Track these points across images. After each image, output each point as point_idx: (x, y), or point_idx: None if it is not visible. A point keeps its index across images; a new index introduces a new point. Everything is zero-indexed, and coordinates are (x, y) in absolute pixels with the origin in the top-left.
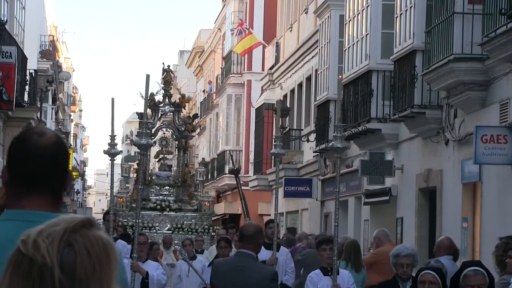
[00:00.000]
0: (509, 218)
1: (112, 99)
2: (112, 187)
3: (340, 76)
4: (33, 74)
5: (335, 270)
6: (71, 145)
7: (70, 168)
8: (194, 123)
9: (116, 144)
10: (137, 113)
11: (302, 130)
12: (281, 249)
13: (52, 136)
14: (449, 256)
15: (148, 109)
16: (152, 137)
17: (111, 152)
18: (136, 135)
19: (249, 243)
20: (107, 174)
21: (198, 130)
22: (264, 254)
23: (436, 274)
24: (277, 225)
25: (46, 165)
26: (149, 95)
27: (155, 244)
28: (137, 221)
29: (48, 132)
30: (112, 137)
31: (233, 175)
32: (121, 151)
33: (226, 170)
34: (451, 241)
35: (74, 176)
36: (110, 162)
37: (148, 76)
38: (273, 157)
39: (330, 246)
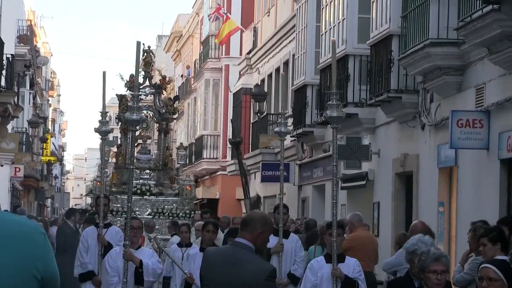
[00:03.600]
0: (484, 202)
1: (104, 73)
2: (102, 168)
3: (333, 39)
4: (10, 58)
5: (334, 255)
6: (49, 130)
7: (49, 153)
8: (175, 105)
9: (107, 122)
10: (116, 95)
11: (280, 114)
12: (290, 236)
13: None
14: None
15: (127, 91)
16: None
17: (102, 130)
18: (125, 111)
19: (247, 231)
20: (86, 159)
21: (176, 115)
22: (270, 240)
23: (497, 269)
24: (287, 210)
25: None
26: (129, 77)
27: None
28: (129, 204)
29: None
30: (103, 114)
31: (233, 147)
32: (113, 129)
33: (204, 155)
34: (424, 225)
35: (52, 161)
36: (100, 140)
37: (138, 43)
38: (252, 141)
39: (339, 231)
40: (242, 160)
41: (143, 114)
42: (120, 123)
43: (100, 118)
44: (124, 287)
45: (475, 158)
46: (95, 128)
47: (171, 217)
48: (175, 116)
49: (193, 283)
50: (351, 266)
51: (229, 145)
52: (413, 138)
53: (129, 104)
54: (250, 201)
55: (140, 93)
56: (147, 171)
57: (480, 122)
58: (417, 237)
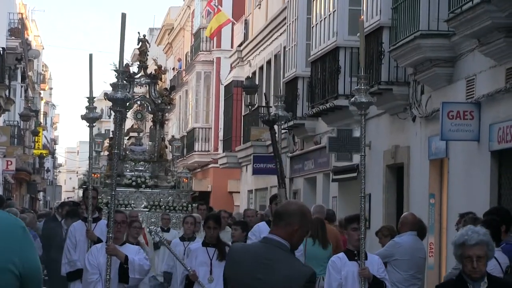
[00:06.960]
0: (475, 193)
1: (90, 56)
2: (90, 158)
3: (362, 17)
4: (2, 52)
5: (362, 254)
6: (41, 123)
7: (40, 146)
8: (171, 96)
9: (95, 108)
10: (110, 84)
11: (271, 107)
12: None
13: None
14: (413, 232)
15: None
16: (127, 110)
17: (89, 117)
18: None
19: (280, 226)
20: (78, 152)
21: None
22: (264, 230)
23: None
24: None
25: None
26: (123, 66)
27: (136, 221)
28: (113, 193)
29: None
30: (91, 99)
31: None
32: (101, 115)
33: (196, 148)
34: (414, 217)
35: (44, 155)
36: (88, 128)
37: (124, 15)
38: (243, 133)
39: (357, 225)
40: (276, 143)
41: (127, 93)
42: (113, 115)
43: (88, 104)
44: (107, 285)
45: (466, 149)
46: (81, 115)
47: (167, 210)
48: (170, 107)
49: (196, 281)
50: (375, 265)
51: (221, 137)
52: (404, 130)
53: (113, 82)
54: (285, 191)
55: (135, 82)
56: (142, 163)
57: (470, 113)
58: (467, 227)
